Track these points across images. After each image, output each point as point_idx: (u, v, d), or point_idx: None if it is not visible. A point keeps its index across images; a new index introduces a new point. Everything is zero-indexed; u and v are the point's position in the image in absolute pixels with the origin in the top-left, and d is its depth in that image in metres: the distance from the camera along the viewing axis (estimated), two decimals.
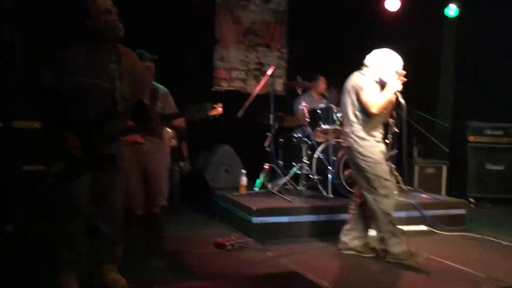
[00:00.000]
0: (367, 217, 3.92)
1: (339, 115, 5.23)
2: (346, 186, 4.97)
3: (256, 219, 4.31)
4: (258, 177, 5.25)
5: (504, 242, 4.48)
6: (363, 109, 3.71)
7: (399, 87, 3.71)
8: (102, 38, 2.79)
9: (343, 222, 4.54)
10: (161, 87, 4.44)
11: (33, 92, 2.86)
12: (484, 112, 6.99)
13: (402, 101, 3.78)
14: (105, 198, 2.94)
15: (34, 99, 2.87)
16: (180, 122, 4.25)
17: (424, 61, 7.42)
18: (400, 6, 6.80)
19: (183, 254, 3.86)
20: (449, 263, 3.80)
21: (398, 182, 5.52)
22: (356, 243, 3.94)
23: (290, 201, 4.67)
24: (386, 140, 5.53)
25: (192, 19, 6.44)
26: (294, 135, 5.61)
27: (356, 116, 3.76)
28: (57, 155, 2.76)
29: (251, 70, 7.12)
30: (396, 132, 5.57)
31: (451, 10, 6.95)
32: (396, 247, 3.70)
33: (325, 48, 6.97)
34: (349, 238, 3.97)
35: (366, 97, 3.68)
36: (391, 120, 5.56)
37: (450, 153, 6.94)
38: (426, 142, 6.77)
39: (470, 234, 4.76)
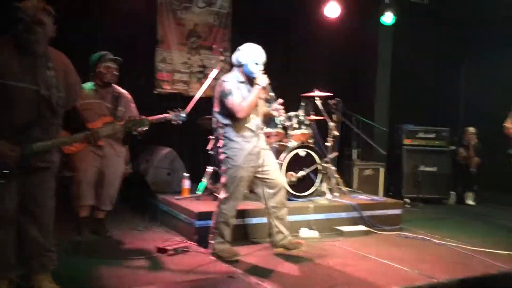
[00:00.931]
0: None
1: (281, 118, 5.29)
2: (289, 189, 5.04)
3: (198, 223, 4.28)
4: (201, 181, 5.22)
5: (436, 241, 4.71)
6: (228, 115, 3.77)
7: (265, 82, 3.75)
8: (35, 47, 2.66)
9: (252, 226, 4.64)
10: (123, 91, 4.38)
11: None
12: (418, 116, 7.35)
13: (272, 94, 3.82)
14: (35, 205, 2.81)
15: None
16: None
17: (363, 67, 7.71)
18: (340, 13, 7.00)
19: (124, 257, 3.78)
20: (385, 261, 3.95)
21: (338, 184, 5.67)
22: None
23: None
24: (326, 143, 5.70)
25: (134, 19, 6.31)
26: None
27: (225, 120, 3.82)
28: None
29: (194, 72, 7.06)
30: (337, 135, 5.72)
31: (388, 18, 7.24)
32: (218, 245, 3.85)
33: (267, 51, 7.02)
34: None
35: (230, 103, 3.71)
36: (331, 124, 5.72)
37: (387, 155, 7.22)
38: (364, 145, 7.02)
39: (405, 233, 4.97)
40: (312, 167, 5.16)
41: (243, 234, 4.46)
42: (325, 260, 3.93)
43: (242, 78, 3.83)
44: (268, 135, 5.29)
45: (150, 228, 4.83)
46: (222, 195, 3.88)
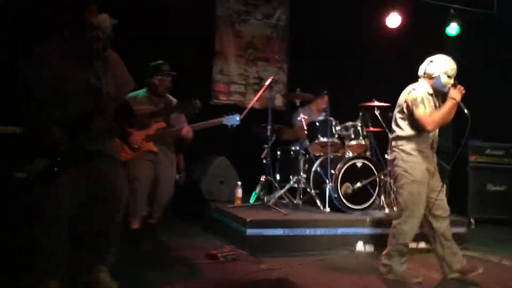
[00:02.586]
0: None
1: (338, 128, 5.15)
2: (344, 201, 4.86)
3: (250, 231, 4.18)
4: (254, 190, 5.14)
5: (506, 262, 4.35)
6: (414, 125, 3.55)
7: (459, 97, 3.50)
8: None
9: (339, 236, 4.47)
10: (175, 100, 4.44)
11: (13, 86, 2.73)
12: (486, 132, 6.92)
13: (466, 112, 3.53)
14: (95, 202, 2.83)
15: (15, 93, 2.74)
16: (188, 132, 4.19)
17: None
18: (401, 23, 6.78)
19: (173, 263, 3.74)
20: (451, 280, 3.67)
21: (396, 197, 5.40)
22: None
23: (285, 214, 4.55)
24: (386, 155, 5.46)
25: (193, 31, 6.40)
26: (292, 148, 5.51)
27: (404, 132, 3.61)
28: (39, 153, 2.65)
29: (250, 84, 7.07)
30: None
31: (452, 29, 6.94)
32: (399, 266, 3.63)
33: (326, 63, 6.94)
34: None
35: (420, 113, 3.47)
36: (390, 135, 5.47)
37: (451, 172, 6.82)
38: None
39: (470, 254, 4.62)
40: (370, 179, 4.94)
41: (294, 245, 4.31)
42: (380, 277, 3.69)
43: (431, 91, 3.58)
44: (323, 145, 5.16)
45: (202, 235, 4.79)
46: (400, 214, 3.63)
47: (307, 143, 5.25)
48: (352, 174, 4.92)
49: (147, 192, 4.15)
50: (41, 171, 2.65)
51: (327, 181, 4.92)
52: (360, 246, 4.49)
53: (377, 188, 5.04)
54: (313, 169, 5.16)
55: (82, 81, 2.71)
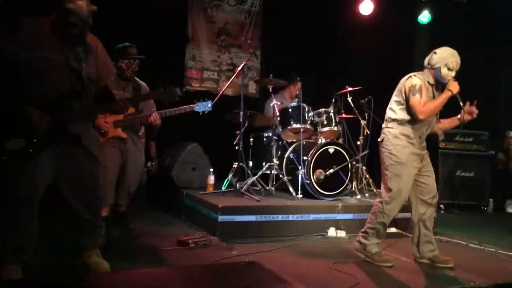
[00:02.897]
0: None
1: (310, 114, 5.14)
2: (316, 187, 4.86)
3: (221, 217, 4.16)
4: (226, 177, 5.11)
5: (473, 245, 4.44)
6: (407, 111, 3.57)
7: (457, 89, 3.52)
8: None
9: (312, 222, 4.49)
10: (142, 84, 4.34)
11: None
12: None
13: (461, 104, 3.57)
14: (80, 181, 2.85)
15: None
16: (156, 119, 4.11)
17: (398, 66, 7.45)
18: (374, 11, 6.80)
19: (142, 251, 3.67)
20: (416, 263, 3.72)
21: (368, 184, 5.45)
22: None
23: (257, 200, 4.54)
24: (358, 142, 5.50)
25: (165, 16, 6.28)
26: (265, 134, 5.48)
27: (396, 115, 3.63)
28: (16, 131, 2.62)
29: (223, 70, 6.99)
30: (368, 134, 5.51)
31: (424, 17, 6.99)
32: (373, 246, 3.68)
33: (299, 50, 6.90)
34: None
35: (415, 101, 3.49)
36: (363, 122, 5.52)
37: None
38: None
39: (439, 237, 4.70)
40: (342, 165, 4.96)
41: (266, 231, 4.31)
42: (350, 261, 3.72)
43: (432, 81, 3.60)
44: (296, 131, 5.15)
45: (173, 223, 4.74)
46: (385, 194, 3.65)
47: (280, 130, 5.23)
48: (324, 160, 4.92)
49: (115, 180, 4.06)
50: (16, 150, 2.62)
51: (300, 167, 4.91)
52: (332, 231, 4.52)
53: (349, 174, 5.06)
54: (286, 155, 5.15)
55: (63, 63, 2.69)
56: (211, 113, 5.13)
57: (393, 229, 4.70)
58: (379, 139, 3.81)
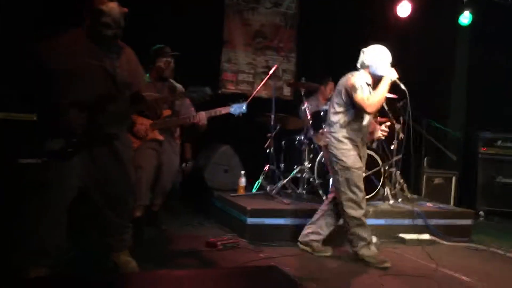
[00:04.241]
0: (334, 215, 3.91)
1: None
2: None
3: (250, 220, 4.19)
4: (257, 179, 5.14)
5: (510, 254, 4.29)
6: (354, 109, 3.63)
7: (395, 75, 3.63)
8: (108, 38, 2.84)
9: (341, 227, 4.44)
10: (178, 86, 4.42)
11: (26, 71, 2.85)
12: (497, 123, 6.79)
13: (403, 87, 3.70)
14: (110, 186, 2.93)
15: (26, 78, 2.86)
16: (202, 119, 4.18)
17: (437, 69, 7.29)
18: (412, 12, 6.66)
19: (172, 251, 3.77)
20: (449, 272, 3.63)
21: (402, 189, 5.36)
22: (311, 237, 3.88)
23: (287, 204, 4.54)
24: (392, 146, 5.41)
25: (201, 19, 6.37)
26: (296, 137, 5.48)
27: (337, 117, 3.70)
28: (56, 134, 2.75)
29: (258, 73, 7.02)
30: (402, 138, 5.41)
31: (465, 18, 6.79)
32: (365, 249, 3.67)
33: (335, 53, 6.85)
34: (306, 231, 3.94)
35: (359, 97, 3.58)
36: (397, 126, 5.43)
37: (461, 164, 6.74)
38: (436, 152, 6.59)
39: (475, 245, 4.57)
40: (374, 170, 4.89)
41: (295, 235, 4.27)
42: (379, 267, 3.67)
43: (370, 81, 3.71)
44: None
45: (204, 224, 4.81)
46: (343, 198, 3.70)
47: (312, 133, 5.21)
48: None
49: (150, 181, 4.15)
50: (56, 150, 2.74)
51: None
52: None
53: (382, 179, 4.99)
54: (317, 159, 5.12)
55: (98, 68, 2.79)
56: (244, 115, 5.19)
57: (425, 236, 4.60)
58: (322, 143, 3.88)
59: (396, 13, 6.73)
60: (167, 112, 4.25)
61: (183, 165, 5.56)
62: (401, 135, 5.40)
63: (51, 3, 5.03)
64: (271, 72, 5.20)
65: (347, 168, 3.65)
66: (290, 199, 4.75)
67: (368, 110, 3.59)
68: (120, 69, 2.85)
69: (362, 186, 3.72)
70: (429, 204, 5.29)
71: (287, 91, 7.15)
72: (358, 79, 3.64)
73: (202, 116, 4.16)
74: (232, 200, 4.66)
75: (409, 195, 5.40)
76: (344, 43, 6.88)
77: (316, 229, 3.91)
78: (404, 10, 6.68)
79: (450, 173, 6.47)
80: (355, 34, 6.94)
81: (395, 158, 5.30)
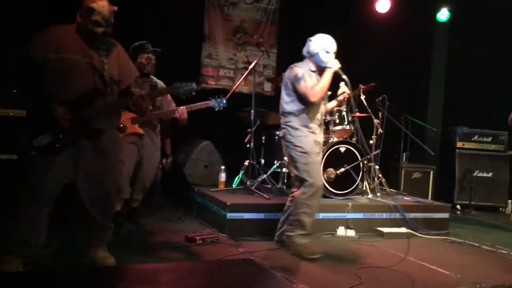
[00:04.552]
0: None
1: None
2: (327, 186, 4.85)
3: (230, 215, 4.20)
4: (238, 174, 5.14)
5: (485, 247, 4.37)
6: (300, 100, 3.71)
7: (337, 65, 3.69)
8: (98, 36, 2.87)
9: (321, 220, 4.48)
10: (159, 82, 4.41)
11: (18, 62, 2.86)
12: (474, 118, 6.91)
13: (345, 77, 3.79)
14: (96, 184, 2.94)
15: (19, 70, 2.88)
16: (183, 113, 4.18)
17: (415, 65, 7.38)
18: (390, 8, 6.73)
19: (150, 246, 3.75)
20: (426, 264, 3.69)
21: (381, 183, 5.42)
22: (286, 234, 3.85)
23: (267, 198, 4.56)
24: (370, 141, 5.46)
25: (181, 14, 6.35)
26: (276, 132, 5.49)
27: (291, 107, 3.76)
28: (44, 129, 2.77)
29: (239, 68, 7.03)
30: (381, 133, 5.47)
31: (443, 14, 6.89)
32: (299, 238, 3.70)
33: None
34: (279, 231, 3.94)
35: (302, 87, 3.66)
36: (376, 121, 5.48)
37: (438, 159, 6.84)
38: (413, 147, 6.68)
39: (451, 238, 4.65)
40: (353, 164, 4.94)
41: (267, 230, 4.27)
42: (358, 260, 3.72)
43: (314, 68, 3.77)
44: None
45: (184, 219, 4.81)
46: (300, 185, 3.73)
47: None
48: (335, 159, 4.91)
49: (130, 175, 4.14)
50: (43, 146, 2.76)
51: None
52: (341, 230, 4.52)
53: (361, 174, 5.04)
54: None
55: (87, 64, 2.82)
56: (224, 111, 5.19)
57: (403, 229, 4.66)
58: (280, 134, 3.96)
59: (375, 9, 6.79)
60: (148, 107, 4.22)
61: (163, 161, 5.54)
62: (380, 130, 5.46)
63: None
64: (250, 67, 5.22)
65: (306, 153, 3.70)
66: (270, 194, 4.76)
67: (311, 99, 3.64)
68: (109, 66, 2.88)
69: (319, 173, 3.80)
70: (407, 198, 5.37)
71: (267, 87, 7.17)
72: (300, 69, 3.71)
73: (183, 111, 4.19)
74: (212, 195, 4.66)
75: (387, 189, 5.45)
76: None
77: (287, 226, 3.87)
78: (383, 6, 6.74)
79: (428, 167, 6.57)
80: (334, 30, 6.99)
81: (373, 153, 5.36)
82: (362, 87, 5.38)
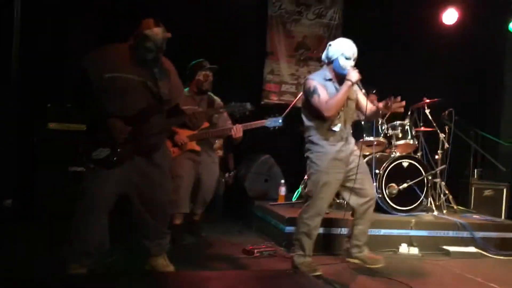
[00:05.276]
0: (362, 220, 3.69)
1: (384, 127, 5.03)
2: (389, 201, 4.73)
3: (288, 228, 4.18)
4: (298, 188, 5.14)
5: None
6: (317, 113, 3.48)
7: (357, 77, 3.40)
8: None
9: (382, 237, 4.37)
10: (217, 99, 4.53)
11: (74, 79, 3.07)
12: None
13: (363, 91, 3.54)
14: (150, 195, 3.05)
15: (75, 86, 3.08)
16: (238, 131, 4.25)
17: (487, 78, 7.06)
18: (458, 19, 6.50)
19: (210, 256, 3.83)
20: (496, 287, 3.48)
21: (448, 200, 5.19)
22: (353, 251, 3.70)
23: (326, 213, 4.49)
24: (436, 156, 5.26)
25: (244, 31, 6.49)
26: None
27: (309, 120, 3.58)
28: (103, 143, 2.92)
29: (301, 84, 7.02)
30: (447, 148, 5.26)
31: None
32: (297, 257, 3.53)
33: (377, 63, 6.77)
34: (345, 247, 3.82)
35: (316, 101, 3.42)
36: (442, 135, 5.29)
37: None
38: (485, 163, 6.35)
39: None
40: (417, 180, 4.77)
41: (324, 245, 4.23)
42: (418, 278, 3.58)
43: (330, 76, 3.53)
44: (368, 144, 5.05)
45: (243, 232, 4.85)
46: (306, 203, 3.62)
47: None
48: (398, 174, 4.77)
49: (190, 189, 4.24)
50: (101, 159, 2.91)
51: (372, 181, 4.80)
52: (403, 248, 4.36)
53: (425, 190, 4.86)
54: None
55: (140, 83, 2.97)
56: (286, 125, 5.21)
57: (472, 248, 4.44)
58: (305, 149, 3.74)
59: (441, 20, 6.59)
60: (205, 125, 4.34)
61: (226, 175, 5.65)
62: (446, 145, 5.25)
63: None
64: None
65: (319, 172, 3.50)
66: (329, 209, 4.70)
67: (326, 114, 3.39)
68: (161, 85, 3.00)
69: (329, 195, 3.57)
70: (476, 216, 5.10)
71: None
72: (313, 82, 3.48)
73: (238, 129, 4.22)
74: (271, 208, 4.68)
75: (455, 207, 5.22)
76: (386, 53, 6.81)
77: (354, 241, 3.72)
78: (450, 17, 6.52)
79: (501, 184, 6.19)
80: (399, 43, 6.86)
81: (439, 168, 5.15)
82: (427, 100, 5.22)
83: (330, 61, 3.54)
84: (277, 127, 4.32)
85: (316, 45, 7.10)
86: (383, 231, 4.39)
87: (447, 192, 5.18)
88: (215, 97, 4.56)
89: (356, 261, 3.67)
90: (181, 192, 4.14)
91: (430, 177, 4.92)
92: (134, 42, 2.96)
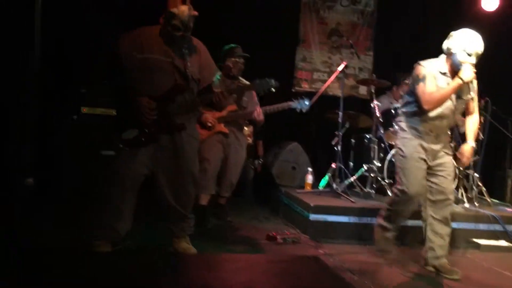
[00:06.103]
0: (435, 221, 3.48)
1: None
2: None
3: (313, 216, 4.18)
4: (324, 176, 5.10)
5: None
6: (417, 102, 3.33)
7: (470, 77, 3.17)
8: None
9: (408, 228, 4.29)
10: (247, 83, 4.54)
11: (108, 56, 3.16)
12: None
13: (472, 94, 3.34)
14: (174, 176, 3.12)
15: (108, 63, 3.17)
16: (259, 114, 4.27)
17: None
18: (500, 5, 6.25)
19: (233, 240, 3.87)
20: None
21: (481, 192, 5.05)
22: (428, 255, 3.52)
23: (353, 202, 4.47)
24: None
25: (276, 18, 6.44)
26: (366, 135, 5.36)
27: (406, 107, 3.48)
28: (131, 123, 3.00)
29: (334, 71, 6.93)
30: (482, 138, 5.10)
31: None
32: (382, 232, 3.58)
33: (414, 51, 6.59)
34: (422, 253, 3.59)
35: (419, 90, 3.26)
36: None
37: None
38: None
39: None
40: None
41: (359, 233, 4.21)
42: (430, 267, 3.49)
43: (445, 69, 3.30)
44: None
45: (270, 218, 4.87)
46: (397, 187, 3.49)
47: (382, 131, 5.08)
48: None
49: (216, 172, 4.28)
50: (131, 139, 3.00)
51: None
52: None
53: (457, 181, 4.74)
54: (387, 158, 4.98)
55: (168, 64, 3.02)
56: (314, 113, 5.17)
57: (503, 242, 4.31)
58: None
59: (481, 6, 6.35)
60: (233, 107, 4.36)
61: (256, 162, 5.67)
62: (480, 136, 5.09)
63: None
64: (339, 69, 5.16)
65: (405, 157, 3.39)
66: (356, 198, 4.66)
67: (424, 106, 3.23)
68: (190, 65, 3.04)
69: (417, 181, 3.34)
70: (510, 209, 4.94)
71: (363, 90, 7.00)
72: (424, 69, 3.29)
73: (259, 111, 4.22)
74: (298, 196, 4.67)
75: (488, 200, 5.07)
76: (422, 40, 6.63)
77: (428, 244, 3.51)
78: (490, 3, 6.27)
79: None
80: (435, 30, 6.65)
81: (473, 159, 4.99)
82: None
83: (449, 53, 3.30)
84: (304, 110, 4.31)
85: (350, 32, 6.97)
86: (410, 222, 4.30)
87: (480, 184, 5.03)
88: (246, 82, 4.56)
89: (431, 268, 3.49)
90: (208, 175, 4.18)
91: (462, 169, 4.79)
92: (162, 22, 3.01)
